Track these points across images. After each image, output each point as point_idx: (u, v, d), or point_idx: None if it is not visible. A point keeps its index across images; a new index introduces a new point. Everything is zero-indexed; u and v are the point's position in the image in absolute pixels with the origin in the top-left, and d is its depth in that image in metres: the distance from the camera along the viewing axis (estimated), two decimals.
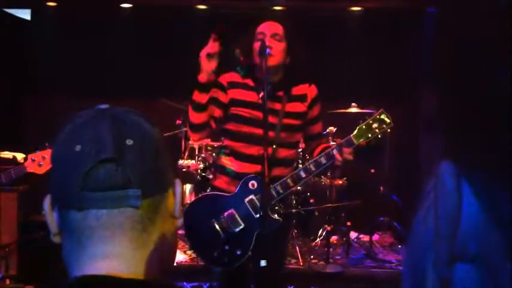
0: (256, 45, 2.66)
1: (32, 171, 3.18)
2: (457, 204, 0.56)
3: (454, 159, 0.56)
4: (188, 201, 5.28)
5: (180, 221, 0.89)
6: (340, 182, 5.10)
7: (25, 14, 6.18)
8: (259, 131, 2.56)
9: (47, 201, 0.84)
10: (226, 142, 2.79)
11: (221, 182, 2.78)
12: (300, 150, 4.37)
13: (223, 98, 2.72)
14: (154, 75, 5.93)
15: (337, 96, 5.02)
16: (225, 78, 2.76)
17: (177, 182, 0.88)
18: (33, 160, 3.16)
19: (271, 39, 2.65)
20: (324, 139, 2.93)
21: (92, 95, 5.20)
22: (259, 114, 2.62)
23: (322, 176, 5.06)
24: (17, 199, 4.15)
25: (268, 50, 2.60)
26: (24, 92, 6.27)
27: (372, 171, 5.42)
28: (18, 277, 4.13)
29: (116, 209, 0.80)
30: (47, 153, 2.98)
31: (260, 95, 2.63)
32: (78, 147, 0.80)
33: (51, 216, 0.84)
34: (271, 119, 2.64)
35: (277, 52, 2.65)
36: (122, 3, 6.11)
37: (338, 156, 2.58)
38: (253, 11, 5.46)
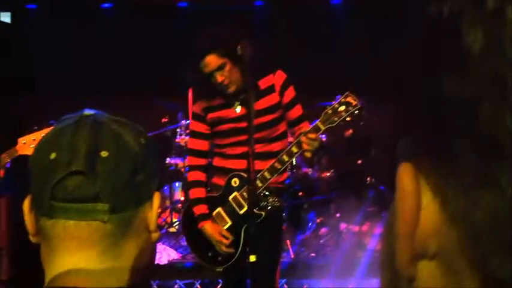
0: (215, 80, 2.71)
1: (23, 153, 3.16)
2: (415, 204, 0.57)
3: (411, 159, 0.58)
4: (178, 198, 5.30)
5: (156, 234, 0.87)
6: (328, 174, 5.13)
7: (5, 17, 6.14)
8: (242, 137, 2.66)
9: (27, 202, 0.85)
10: (215, 149, 2.92)
11: (218, 179, 2.89)
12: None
13: (206, 129, 2.82)
14: (142, 74, 5.92)
15: (322, 89, 5.02)
16: (197, 108, 2.84)
17: (156, 195, 0.86)
18: (24, 143, 3.15)
19: (219, 76, 2.68)
20: (306, 122, 2.90)
21: (85, 94, 5.21)
22: (237, 125, 2.72)
23: (310, 169, 5.09)
24: (7, 203, 4.14)
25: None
26: (20, 93, 6.25)
27: (359, 162, 5.46)
28: (10, 282, 4.12)
29: (83, 221, 0.79)
30: (36, 136, 2.97)
31: (234, 108, 2.76)
32: (53, 155, 0.80)
33: (28, 217, 0.84)
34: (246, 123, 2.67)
35: (230, 79, 2.69)
36: (103, 3, 6.08)
37: (305, 145, 2.59)
38: (234, 8, 5.45)
